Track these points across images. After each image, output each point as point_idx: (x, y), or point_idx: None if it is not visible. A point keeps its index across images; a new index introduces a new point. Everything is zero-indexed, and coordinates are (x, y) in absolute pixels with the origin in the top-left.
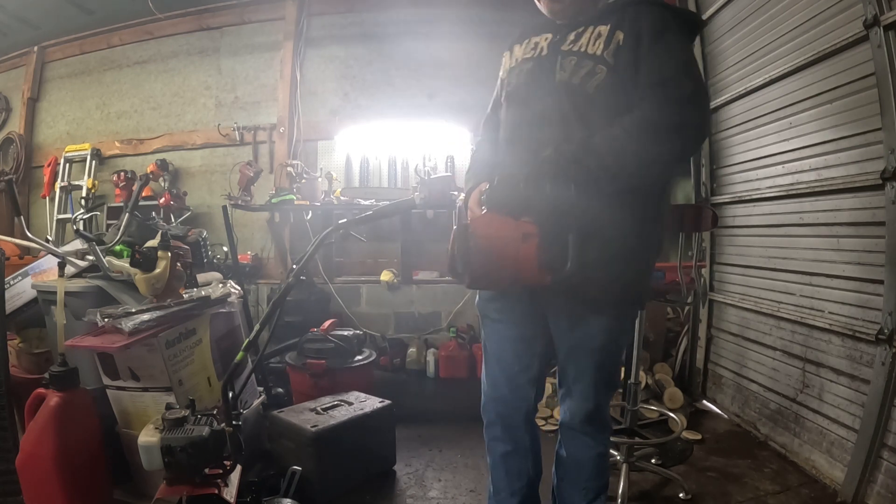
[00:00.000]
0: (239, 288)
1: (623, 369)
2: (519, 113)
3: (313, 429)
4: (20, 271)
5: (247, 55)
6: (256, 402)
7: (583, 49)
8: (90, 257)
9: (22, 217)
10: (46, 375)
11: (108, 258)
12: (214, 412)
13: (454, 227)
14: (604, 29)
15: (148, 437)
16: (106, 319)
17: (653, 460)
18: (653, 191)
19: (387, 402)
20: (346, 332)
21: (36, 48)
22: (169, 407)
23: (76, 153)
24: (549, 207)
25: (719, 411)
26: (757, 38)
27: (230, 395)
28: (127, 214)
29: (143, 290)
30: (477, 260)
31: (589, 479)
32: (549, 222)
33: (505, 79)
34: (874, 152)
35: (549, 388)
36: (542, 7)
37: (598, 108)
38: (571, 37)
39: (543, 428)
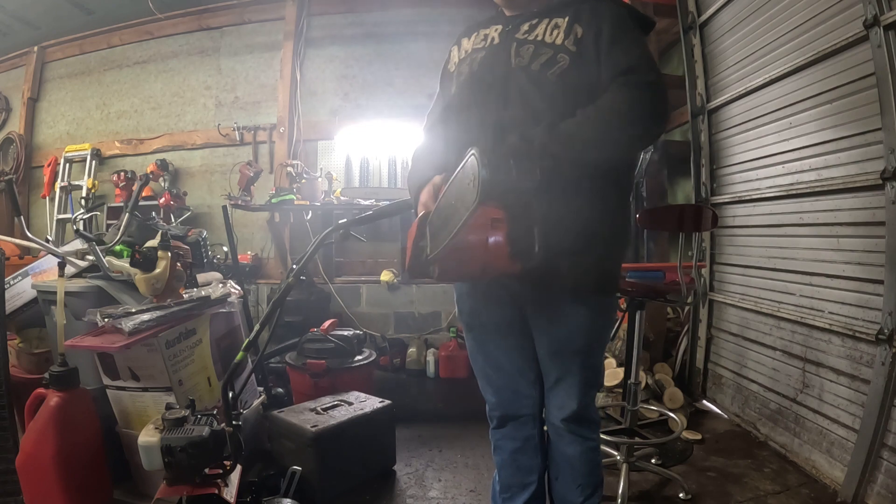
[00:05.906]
0: (239, 288)
1: (623, 370)
2: (474, 97)
3: (313, 429)
4: (20, 271)
5: (247, 55)
6: (256, 402)
7: (539, 38)
8: (90, 257)
9: (22, 217)
10: (46, 375)
11: (108, 258)
12: (214, 412)
13: (415, 224)
14: (561, 21)
15: (148, 437)
16: (106, 319)
17: (653, 460)
18: (620, 180)
19: (387, 402)
20: (346, 332)
21: (36, 48)
22: (169, 407)
23: (76, 153)
24: (516, 193)
25: (719, 411)
26: (757, 38)
27: (230, 395)
28: (127, 214)
29: (143, 290)
30: (444, 250)
31: (583, 475)
32: (515, 207)
33: (454, 71)
34: (874, 152)
35: None
36: None
37: (560, 93)
38: (525, 27)
39: None
